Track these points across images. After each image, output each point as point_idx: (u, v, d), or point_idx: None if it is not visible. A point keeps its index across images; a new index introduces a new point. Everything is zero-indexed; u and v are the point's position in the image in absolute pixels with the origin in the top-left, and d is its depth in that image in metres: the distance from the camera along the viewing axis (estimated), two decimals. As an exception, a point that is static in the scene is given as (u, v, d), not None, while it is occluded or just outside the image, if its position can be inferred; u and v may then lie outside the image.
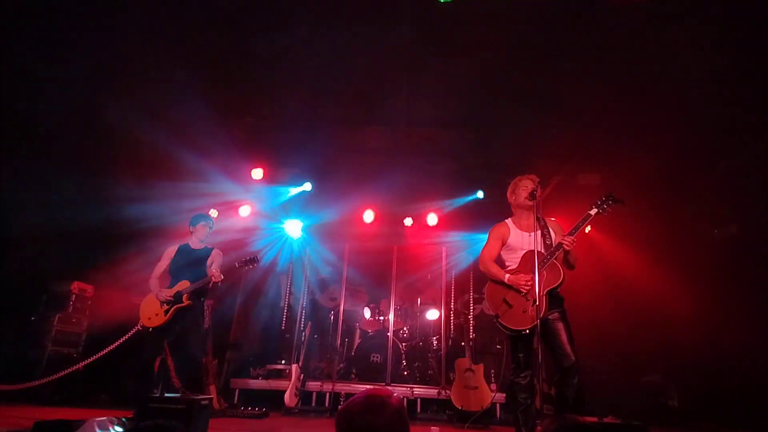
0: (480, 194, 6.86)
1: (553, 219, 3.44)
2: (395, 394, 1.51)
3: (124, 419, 2.89)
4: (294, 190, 7.00)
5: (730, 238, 6.00)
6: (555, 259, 3.05)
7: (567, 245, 3.05)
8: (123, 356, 4.87)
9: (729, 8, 4.01)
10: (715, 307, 5.70)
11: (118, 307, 5.32)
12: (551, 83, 5.08)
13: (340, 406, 5.48)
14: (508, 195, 3.45)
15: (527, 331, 2.96)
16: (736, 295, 5.58)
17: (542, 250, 3.12)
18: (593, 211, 3.14)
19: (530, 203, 3.21)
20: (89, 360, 4.59)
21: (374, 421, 1.34)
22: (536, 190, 3.18)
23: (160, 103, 5.45)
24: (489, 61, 4.87)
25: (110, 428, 2.45)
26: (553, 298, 3.07)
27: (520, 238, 3.28)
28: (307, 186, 6.98)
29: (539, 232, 3.15)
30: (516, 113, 5.56)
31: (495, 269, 3.23)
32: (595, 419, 2.45)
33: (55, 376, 4.55)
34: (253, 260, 4.25)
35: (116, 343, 4.45)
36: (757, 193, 5.55)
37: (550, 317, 3.01)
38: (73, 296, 5.62)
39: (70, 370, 4.68)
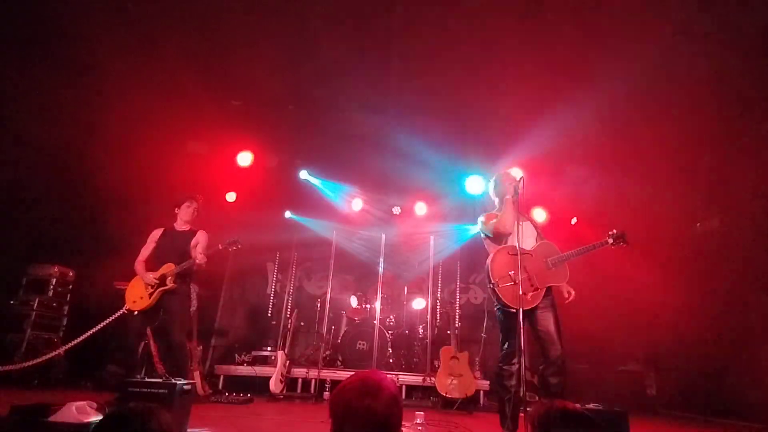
0: (469, 185, 6.85)
1: (538, 219, 3.49)
2: (388, 376, 1.48)
3: (104, 403, 2.85)
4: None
5: (710, 232, 6.12)
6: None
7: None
8: (106, 341, 4.80)
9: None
10: (692, 299, 5.83)
11: (101, 292, 5.22)
12: (540, 75, 5.08)
13: (326, 395, 5.48)
14: (491, 190, 3.46)
15: (513, 310, 2.99)
16: (712, 287, 5.71)
17: (532, 239, 3.22)
18: (609, 240, 3.27)
19: (514, 198, 3.22)
20: (71, 344, 4.48)
21: (373, 404, 1.30)
22: (518, 185, 3.19)
23: (145, 86, 5.32)
24: (480, 51, 4.84)
25: (89, 412, 2.41)
26: (547, 288, 3.13)
27: None
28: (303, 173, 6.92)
29: (524, 224, 3.19)
30: (504, 105, 5.56)
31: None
32: (578, 406, 2.48)
33: (35, 361, 4.45)
34: (235, 242, 4.20)
35: (100, 325, 4.36)
36: (738, 189, 5.66)
37: (540, 305, 3.05)
38: (54, 280, 5.50)
39: (51, 355, 4.58)
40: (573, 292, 3.29)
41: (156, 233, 4.31)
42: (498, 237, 3.29)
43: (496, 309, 3.19)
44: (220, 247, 4.16)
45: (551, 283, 3.13)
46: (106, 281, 5.29)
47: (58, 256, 5.61)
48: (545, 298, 3.10)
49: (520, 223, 3.13)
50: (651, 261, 6.07)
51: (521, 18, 4.41)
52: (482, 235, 3.42)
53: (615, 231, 3.28)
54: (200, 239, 4.28)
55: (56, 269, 5.55)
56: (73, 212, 5.78)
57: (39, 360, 4.47)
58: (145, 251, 4.23)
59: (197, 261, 4.03)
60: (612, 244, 3.27)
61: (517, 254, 3.03)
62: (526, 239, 3.17)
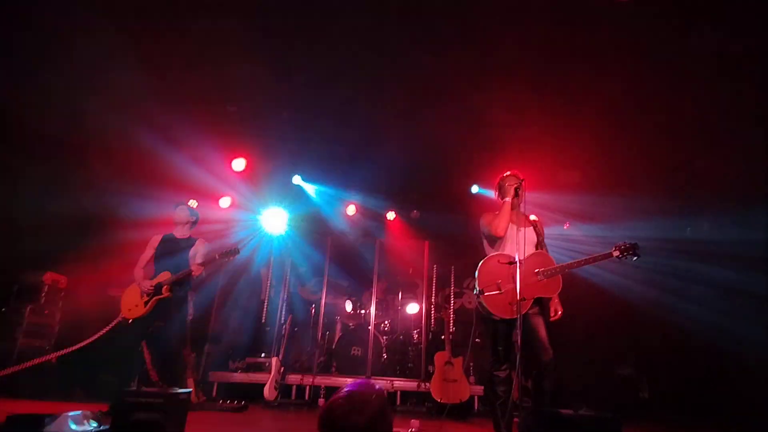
0: (474, 189, 6.86)
1: (535, 218, 3.50)
2: (378, 387, 1.48)
3: (98, 413, 2.83)
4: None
5: (701, 236, 6.21)
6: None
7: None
8: (99, 349, 4.76)
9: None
10: (684, 302, 5.90)
11: (93, 299, 5.19)
12: (534, 84, 5.13)
13: (320, 402, 5.47)
14: (495, 193, 3.50)
15: (498, 318, 3.01)
16: (704, 291, 5.79)
17: (531, 246, 3.23)
18: (615, 253, 3.16)
19: (515, 201, 3.26)
20: (65, 351, 4.44)
21: (358, 422, 1.30)
22: (519, 188, 3.22)
23: (141, 90, 5.31)
24: (477, 60, 4.88)
25: (84, 423, 2.40)
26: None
27: (508, 229, 3.32)
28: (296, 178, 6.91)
29: (525, 228, 3.21)
30: (499, 111, 5.61)
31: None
32: (570, 411, 2.51)
33: (26, 365, 4.39)
34: (233, 252, 4.20)
35: (97, 335, 4.32)
36: (730, 192, 5.75)
37: (529, 311, 3.07)
38: (46, 287, 5.45)
39: (42, 359, 4.53)
40: (560, 312, 3.22)
41: (155, 239, 4.29)
42: (492, 240, 3.32)
43: (484, 315, 3.21)
44: (217, 258, 4.16)
45: (540, 295, 3.11)
46: (98, 288, 5.25)
47: (49, 263, 5.57)
48: (535, 305, 3.13)
49: (521, 228, 3.14)
50: (642, 264, 6.14)
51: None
52: (482, 236, 3.45)
53: (624, 244, 3.15)
54: (199, 248, 4.27)
55: (48, 276, 5.50)
56: (65, 218, 5.73)
57: (30, 363, 4.42)
58: (144, 257, 4.21)
59: (194, 274, 4.04)
60: (619, 256, 3.14)
61: (507, 263, 3.06)
62: (525, 246, 3.12)
